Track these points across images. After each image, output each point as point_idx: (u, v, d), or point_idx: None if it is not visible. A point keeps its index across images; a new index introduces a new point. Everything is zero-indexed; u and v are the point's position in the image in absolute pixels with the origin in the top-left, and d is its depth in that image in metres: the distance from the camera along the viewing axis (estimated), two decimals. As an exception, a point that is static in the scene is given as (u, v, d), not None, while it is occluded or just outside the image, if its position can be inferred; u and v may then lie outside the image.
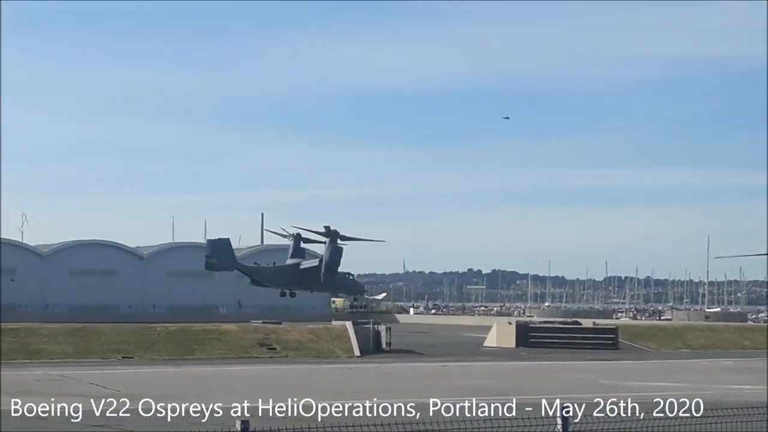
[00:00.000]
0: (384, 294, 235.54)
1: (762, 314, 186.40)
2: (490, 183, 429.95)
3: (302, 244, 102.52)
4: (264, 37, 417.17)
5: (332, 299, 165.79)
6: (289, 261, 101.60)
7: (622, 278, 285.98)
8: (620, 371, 56.87)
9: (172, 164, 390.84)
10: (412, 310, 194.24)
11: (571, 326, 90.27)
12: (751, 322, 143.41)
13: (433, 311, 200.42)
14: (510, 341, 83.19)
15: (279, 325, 79.01)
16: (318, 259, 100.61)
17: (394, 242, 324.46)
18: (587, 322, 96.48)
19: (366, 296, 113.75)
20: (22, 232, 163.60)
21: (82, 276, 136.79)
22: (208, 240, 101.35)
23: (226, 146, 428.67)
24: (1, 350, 60.91)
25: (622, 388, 42.08)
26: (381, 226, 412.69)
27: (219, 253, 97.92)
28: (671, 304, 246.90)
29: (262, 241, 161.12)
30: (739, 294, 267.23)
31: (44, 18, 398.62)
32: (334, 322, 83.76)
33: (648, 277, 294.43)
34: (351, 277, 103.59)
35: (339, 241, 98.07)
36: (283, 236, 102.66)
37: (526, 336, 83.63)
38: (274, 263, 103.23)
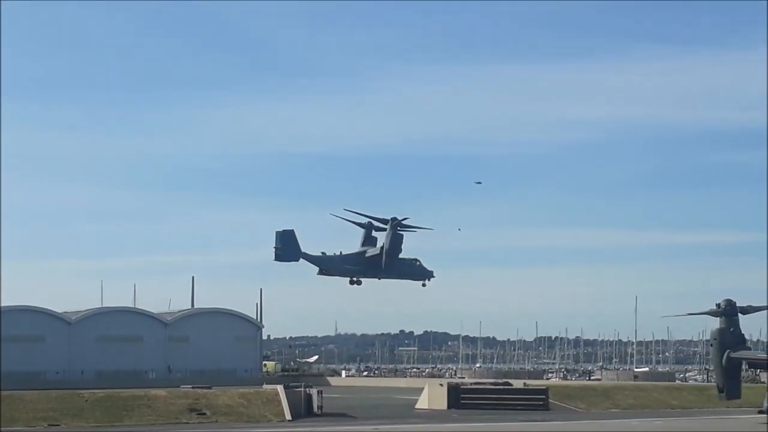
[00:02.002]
0: (316, 357, 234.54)
1: (690, 373, 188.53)
2: (420, 244, 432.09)
3: (373, 233, 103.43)
4: (199, 100, 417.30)
5: (264, 362, 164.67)
6: (357, 250, 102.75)
7: (552, 338, 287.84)
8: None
9: (101, 228, 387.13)
10: (344, 372, 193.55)
11: (502, 387, 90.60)
12: (679, 382, 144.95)
13: (365, 373, 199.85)
14: (442, 403, 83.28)
15: (209, 389, 78.36)
16: (380, 247, 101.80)
17: (325, 304, 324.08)
18: (518, 383, 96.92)
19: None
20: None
21: (8, 342, 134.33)
22: (276, 232, 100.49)
23: (155, 210, 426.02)
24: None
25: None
26: (312, 288, 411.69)
27: (285, 243, 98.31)
28: (601, 363, 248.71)
29: (192, 304, 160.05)
30: (666, 353, 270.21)
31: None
32: (265, 386, 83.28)
33: (577, 337, 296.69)
34: (418, 263, 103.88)
35: (399, 229, 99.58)
36: (357, 224, 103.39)
37: (458, 397, 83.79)
38: (341, 252, 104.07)
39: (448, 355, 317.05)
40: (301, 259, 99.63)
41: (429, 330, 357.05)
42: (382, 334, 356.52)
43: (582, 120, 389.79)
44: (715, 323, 71.06)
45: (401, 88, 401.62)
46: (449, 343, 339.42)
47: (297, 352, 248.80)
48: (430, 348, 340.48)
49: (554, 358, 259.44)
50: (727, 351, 70.14)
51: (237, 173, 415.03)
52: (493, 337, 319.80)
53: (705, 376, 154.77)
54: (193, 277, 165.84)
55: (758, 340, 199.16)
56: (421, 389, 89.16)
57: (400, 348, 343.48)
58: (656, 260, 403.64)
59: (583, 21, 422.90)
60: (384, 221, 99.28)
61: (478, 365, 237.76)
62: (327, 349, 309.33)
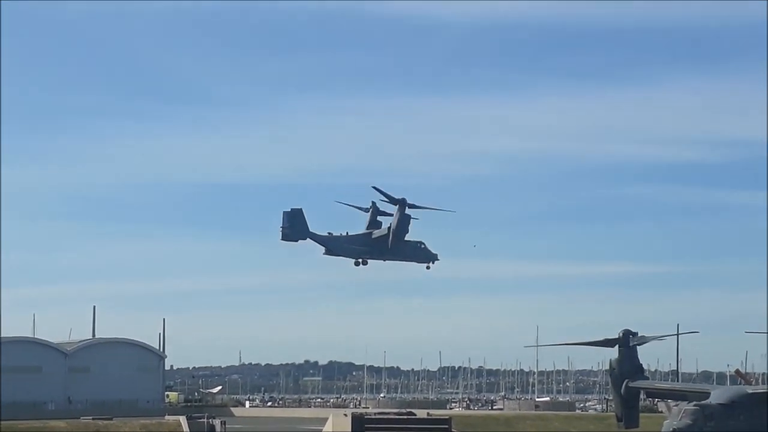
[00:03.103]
0: (219, 387, 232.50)
1: (590, 403, 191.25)
2: (325, 274, 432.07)
3: (378, 217, 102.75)
4: (94, 129, 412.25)
5: (166, 393, 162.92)
6: (363, 231, 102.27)
7: (456, 368, 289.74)
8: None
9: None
10: (248, 403, 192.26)
11: (405, 417, 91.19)
12: (580, 411, 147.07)
13: (269, 404, 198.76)
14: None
15: (110, 420, 77.68)
16: (388, 227, 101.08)
17: (230, 334, 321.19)
18: (422, 413, 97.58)
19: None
20: None
21: None
22: (283, 212, 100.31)
23: (53, 239, 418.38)
24: None
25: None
26: (217, 317, 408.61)
27: (293, 222, 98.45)
28: (503, 393, 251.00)
29: (93, 334, 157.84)
30: (567, 383, 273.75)
31: None
32: (167, 417, 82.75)
33: (480, 366, 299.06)
34: (422, 246, 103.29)
35: (407, 210, 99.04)
36: (360, 209, 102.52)
37: (362, 427, 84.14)
38: (347, 233, 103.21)
39: (352, 385, 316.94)
40: (308, 239, 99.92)
41: (334, 360, 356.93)
42: (287, 364, 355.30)
43: (483, 153, 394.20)
44: (614, 353, 72.57)
45: (309, 118, 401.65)
46: (354, 373, 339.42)
47: (200, 382, 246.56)
48: (335, 378, 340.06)
49: (457, 388, 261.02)
50: (626, 380, 71.62)
51: (135, 203, 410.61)
52: (398, 367, 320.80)
53: (604, 405, 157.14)
54: (94, 307, 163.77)
55: (656, 370, 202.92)
56: (326, 419, 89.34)
57: (305, 378, 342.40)
58: (557, 291, 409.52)
59: (485, 56, 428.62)
60: (393, 201, 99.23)
61: (382, 395, 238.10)
62: (231, 379, 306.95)
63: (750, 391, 69.97)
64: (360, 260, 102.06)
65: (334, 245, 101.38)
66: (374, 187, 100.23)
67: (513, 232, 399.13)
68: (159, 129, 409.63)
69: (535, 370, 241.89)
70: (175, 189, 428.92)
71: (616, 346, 72.66)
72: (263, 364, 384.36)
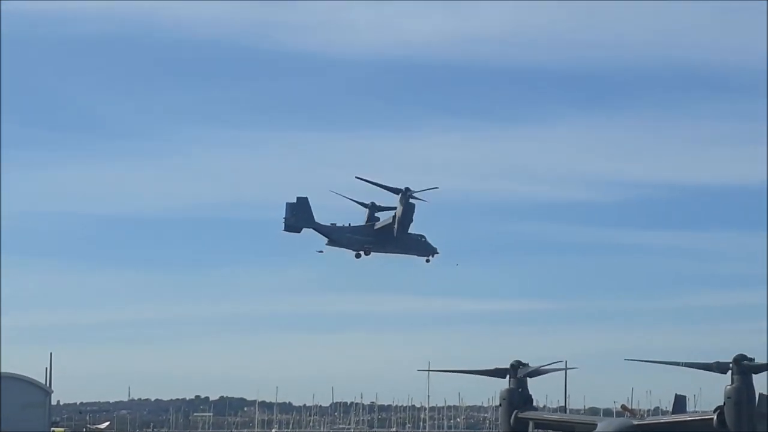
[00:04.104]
0: (107, 423, 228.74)
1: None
2: (219, 310, 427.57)
3: (376, 213, 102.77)
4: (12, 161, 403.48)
5: (52, 429, 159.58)
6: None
7: (348, 404, 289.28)
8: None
9: None
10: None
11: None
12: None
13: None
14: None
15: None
16: (392, 217, 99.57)
17: (119, 368, 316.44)
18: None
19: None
20: None
21: None
22: (286, 203, 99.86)
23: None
24: None
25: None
26: (106, 351, 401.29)
27: (299, 212, 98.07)
28: (395, 429, 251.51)
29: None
30: (458, 419, 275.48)
31: None
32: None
33: (372, 402, 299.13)
34: (423, 239, 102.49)
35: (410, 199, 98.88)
36: (361, 204, 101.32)
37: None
38: (350, 224, 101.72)
39: (244, 421, 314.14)
40: (311, 230, 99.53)
41: (225, 395, 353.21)
42: (177, 399, 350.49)
43: (374, 189, 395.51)
44: (504, 384, 73.71)
45: (205, 150, 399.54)
46: (245, 409, 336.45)
47: (88, 417, 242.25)
48: (226, 414, 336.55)
49: (350, 424, 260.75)
50: (515, 411, 72.76)
51: (23, 233, 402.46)
52: (290, 403, 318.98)
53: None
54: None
55: (545, 406, 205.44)
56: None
57: (195, 414, 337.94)
58: (449, 327, 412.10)
59: (378, 92, 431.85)
60: (396, 191, 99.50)
61: (273, 431, 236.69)
62: (119, 414, 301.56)
63: (635, 423, 71.67)
64: (361, 252, 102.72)
65: (337, 235, 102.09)
66: (358, 177, 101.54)
67: (405, 268, 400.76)
68: (52, 159, 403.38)
69: (426, 406, 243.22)
70: (65, 219, 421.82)
71: (507, 377, 73.85)
72: (153, 399, 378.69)
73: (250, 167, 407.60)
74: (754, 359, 68.94)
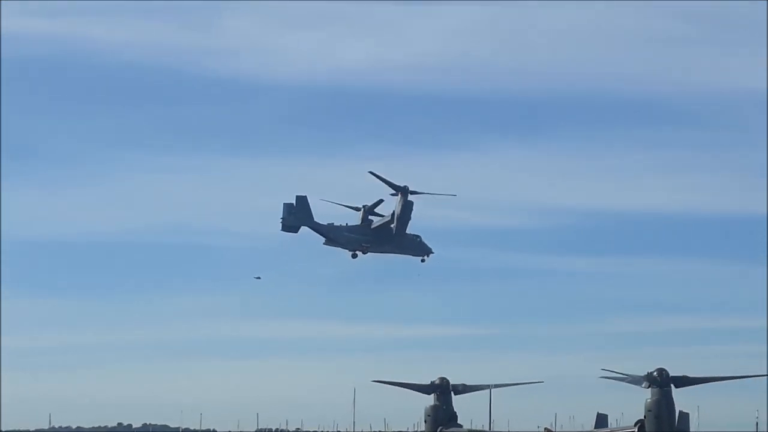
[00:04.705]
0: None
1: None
2: (140, 335, 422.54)
3: (369, 216, 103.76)
4: None
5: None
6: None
7: (273, 429, 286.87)
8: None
9: None
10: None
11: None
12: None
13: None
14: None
15: None
16: (390, 215, 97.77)
17: (39, 395, 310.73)
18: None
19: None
20: None
21: None
22: (284, 203, 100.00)
23: None
24: None
25: None
26: (26, 378, 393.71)
27: (298, 211, 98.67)
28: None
29: None
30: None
31: None
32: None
33: (298, 428, 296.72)
34: (419, 239, 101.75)
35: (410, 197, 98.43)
36: (354, 209, 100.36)
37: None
38: (347, 224, 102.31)
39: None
40: (307, 229, 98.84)
41: (148, 422, 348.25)
42: (99, 427, 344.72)
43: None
44: (430, 400, 74.32)
45: (137, 176, 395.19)
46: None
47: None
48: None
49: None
50: (440, 428, 73.40)
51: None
52: (214, 430, 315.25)
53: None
54: None
55: (470, 430, 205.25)
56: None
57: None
58: (375, 352, 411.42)
59: (310, 118, 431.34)
60: (396, 189, 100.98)
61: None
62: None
63: (557, 437, 72.58)
64: (358, 252, 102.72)
65: (335, 234, 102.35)
66: (371, 172, 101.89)
67: (332, 293, 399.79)
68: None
69: (352, 431, 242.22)
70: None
71: (432, 394, 74.49)
72: (74, 427, 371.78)
73: (177, 193, 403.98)
74: (668, 372, 70.48)
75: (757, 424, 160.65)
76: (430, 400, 74.15)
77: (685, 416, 70.64)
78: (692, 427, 72.01)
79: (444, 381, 74.05)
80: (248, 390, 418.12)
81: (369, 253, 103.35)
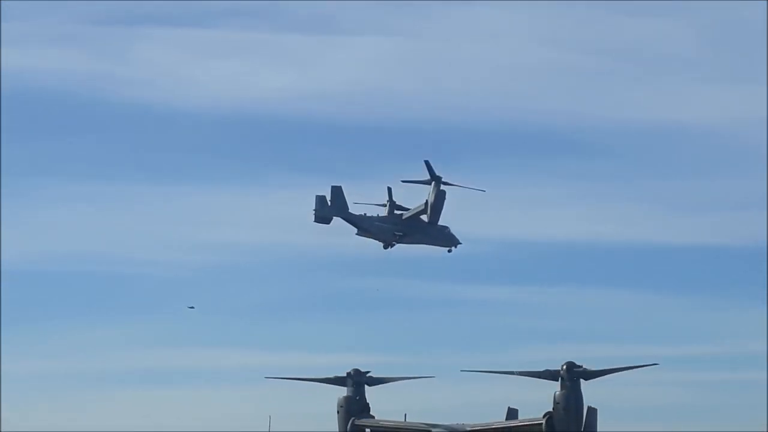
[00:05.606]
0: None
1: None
2: (58, 364, 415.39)
3: (396, 211, 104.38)
4: None
5: None
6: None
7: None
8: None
9: None
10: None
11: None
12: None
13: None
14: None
15: None
16: (423, 204, 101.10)
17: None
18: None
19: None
20: None
21: None
22: (316, 195, 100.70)
23: None
24: None
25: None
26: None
27: (333, 200, 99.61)
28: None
29: None
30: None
31: None
32: None
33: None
34: (447, 230, 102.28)
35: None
36: (380, 206, 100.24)
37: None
38: (378, 215, 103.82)
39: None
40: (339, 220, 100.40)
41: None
42: None
43: (221, 244, 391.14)
44: (343, 392, 74.51)
45: (42, 204, 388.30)
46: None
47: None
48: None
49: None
50: (352, 419, 73.55)
51: None
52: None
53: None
54: None
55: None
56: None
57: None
58: (289, 382, 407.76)
59: (225, 146, 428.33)
60: (427, 182, 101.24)
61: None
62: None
63: (469, 429, 73.28)
64: (391, 244, 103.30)
65: (367, 224, 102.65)
66: (404, 180, 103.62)
67: (250, 322, 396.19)
68: None
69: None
70: None
71: (345, 385, 74.66)
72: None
73: (93, 222, 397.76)
74: (582, 366, 71.33)
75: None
76: (343, 391, 74.31)
77: (593, 411, 71.60)
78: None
79: (357, 372, 74.28)
80: (161, 419, 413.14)
81: (399, 245, 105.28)
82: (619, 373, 73.27)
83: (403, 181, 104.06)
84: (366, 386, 75.05)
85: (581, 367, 70.74)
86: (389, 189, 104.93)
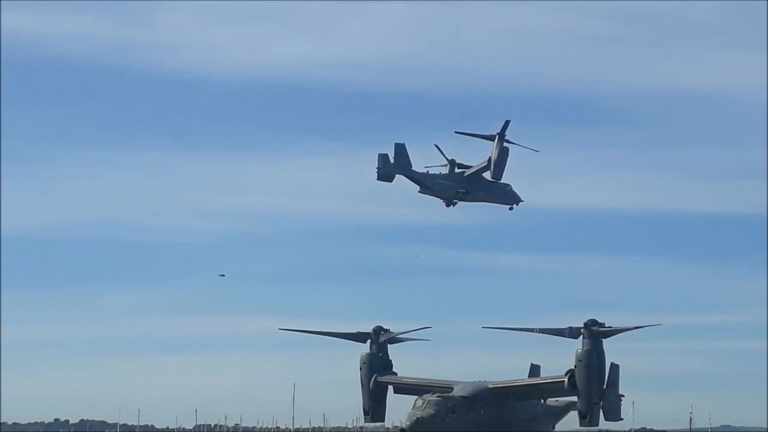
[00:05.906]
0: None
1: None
2: (75, 330, 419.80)
3: (457, 169, 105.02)
4: None
5: None
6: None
7: (212, 425, 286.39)
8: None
9: None
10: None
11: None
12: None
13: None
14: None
15: None
16: (486, 160, 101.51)
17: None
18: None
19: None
20: None
21: None
22: (379, 154, 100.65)
23: None
24: None
25: None
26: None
27: (397, 158, 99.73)
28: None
29: None
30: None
31: None
32: None
33: (237, 424, 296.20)
34: (509, 187, 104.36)
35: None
36: (441, 166, 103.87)
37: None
38: (440, 172, 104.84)
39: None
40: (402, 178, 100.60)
41: (85, 418, 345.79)
42: (35, 422, 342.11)
43: (243, 211, 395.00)
44: (366, 348, 75.13)
45: (71, 171, 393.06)
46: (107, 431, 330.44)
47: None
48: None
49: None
50: (375, 375, 74.16)
51: None
52: (152, 425, 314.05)
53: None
54: None
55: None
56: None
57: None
58: (313, 349, 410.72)
59: (246, 113, 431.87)
60: (491, 137, 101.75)
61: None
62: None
63: (491, 386, 73.74)
64: (453, 201, 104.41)
65: (430, 182, 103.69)
66: (457, 132, 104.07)
67: (272, 289, 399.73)
68: None
69: (291, 428, 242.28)
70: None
71: (368, 342, 75.27)
72: (10, 422, 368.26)
73: (116, 188, 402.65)
74: (604, 324, 71.85)
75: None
76: (366, 348, 74.87)
77: (615, 367, 72.03)
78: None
79: (380, 329, 74.80)
80: (186, 386, 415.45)
81: (462, 202, 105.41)
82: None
83: (457, 132, 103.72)
84: (389, 345, 75.72)
85: (603, 324, 71.44)
86: (437, 146, 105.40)
